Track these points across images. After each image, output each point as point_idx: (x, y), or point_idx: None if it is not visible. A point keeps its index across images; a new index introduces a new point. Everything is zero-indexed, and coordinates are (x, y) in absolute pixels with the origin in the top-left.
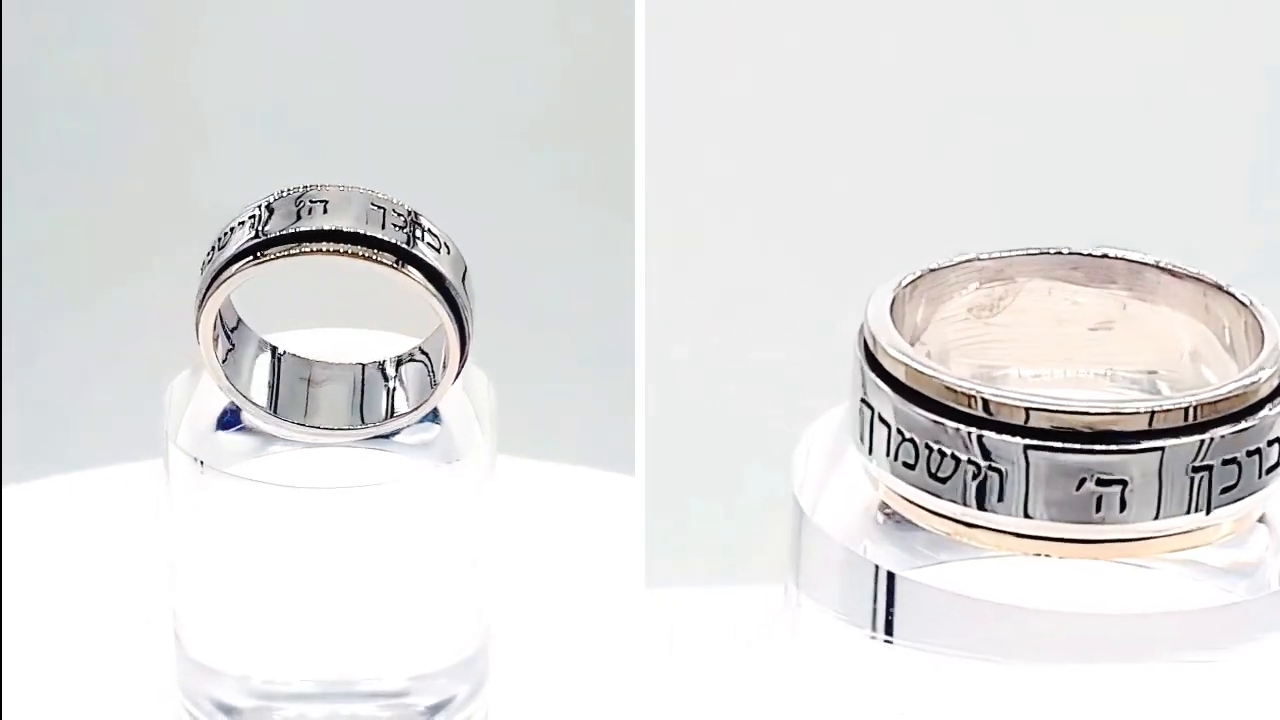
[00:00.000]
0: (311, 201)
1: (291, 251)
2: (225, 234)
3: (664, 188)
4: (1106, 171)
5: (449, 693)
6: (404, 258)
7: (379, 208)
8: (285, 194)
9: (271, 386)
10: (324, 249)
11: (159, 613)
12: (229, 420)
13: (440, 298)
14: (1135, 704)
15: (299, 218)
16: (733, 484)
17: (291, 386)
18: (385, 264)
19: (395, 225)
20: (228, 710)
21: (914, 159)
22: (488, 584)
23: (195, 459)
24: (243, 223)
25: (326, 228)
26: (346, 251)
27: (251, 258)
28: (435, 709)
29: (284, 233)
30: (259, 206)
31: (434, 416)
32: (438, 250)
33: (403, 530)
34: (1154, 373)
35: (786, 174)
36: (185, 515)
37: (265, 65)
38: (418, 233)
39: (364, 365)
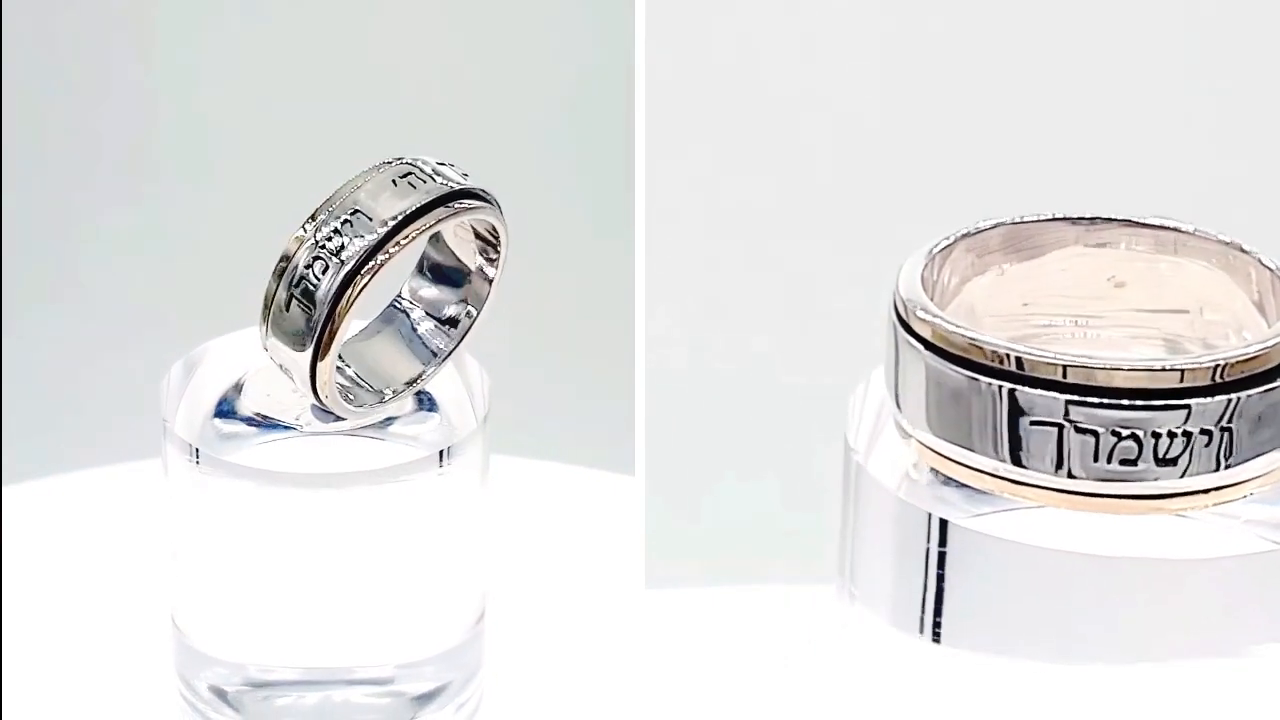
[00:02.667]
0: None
1: (414, 234)
2: (305, 271)
3: (664, 187)
4: (1134, 146)
5: (441, 680)
6: (472, 194)
7: (412, 169)
8: (331, 207)
9: (347, 377)
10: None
11: (157, 601)
12: (225, 409)
13: (495, 205)
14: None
15: (366, 219)
16: (732, 483)
17: (360, 371)
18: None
19: (444, 175)
20: (223, 696)
21: (911, 152)
22: (481, 571)
23: (192, 447)
24: (324, 247)
25: (441, 192)
26: (465, 208)
27: (370, 267)
28: (427, 697)
29: (411, 210)
30: (325, 223)
31: (430, 404)
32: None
33: (398, 517)
34: (1181, 333)
35: (786, 175)
36: (183, 503)
37: (263, 64)
38: (435, 167)
39: (373, 322)
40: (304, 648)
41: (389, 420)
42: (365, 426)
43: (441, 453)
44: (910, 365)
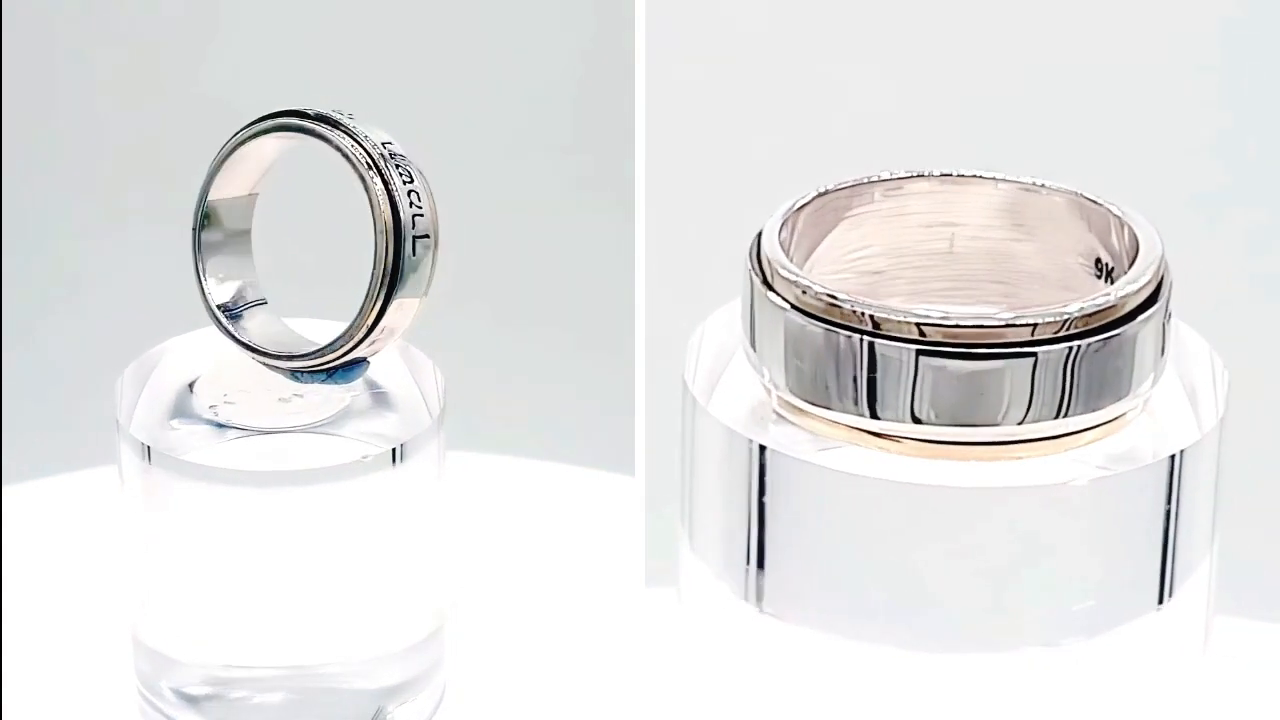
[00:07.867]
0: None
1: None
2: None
3: (664, 187)
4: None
5: (406, 675)
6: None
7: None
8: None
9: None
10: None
11: (118, 602)
12: (179, 409)
13: None
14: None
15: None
16: None
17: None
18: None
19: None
20: (185, 697)
21: (913, 151)
22: (441, 567)
23: (145, 447)
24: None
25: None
26: None
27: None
28: (391, 692)
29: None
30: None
31: (384, 402)
32: None
33: (355, 514)
34: (1026, 285)
35: (785, 175)
36: (138, 504)
37: (258, 60)
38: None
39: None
40: (265, 645)
41: (343, 417)
42: (318, 422)
43: (394, 450)
44: (769, 323)
